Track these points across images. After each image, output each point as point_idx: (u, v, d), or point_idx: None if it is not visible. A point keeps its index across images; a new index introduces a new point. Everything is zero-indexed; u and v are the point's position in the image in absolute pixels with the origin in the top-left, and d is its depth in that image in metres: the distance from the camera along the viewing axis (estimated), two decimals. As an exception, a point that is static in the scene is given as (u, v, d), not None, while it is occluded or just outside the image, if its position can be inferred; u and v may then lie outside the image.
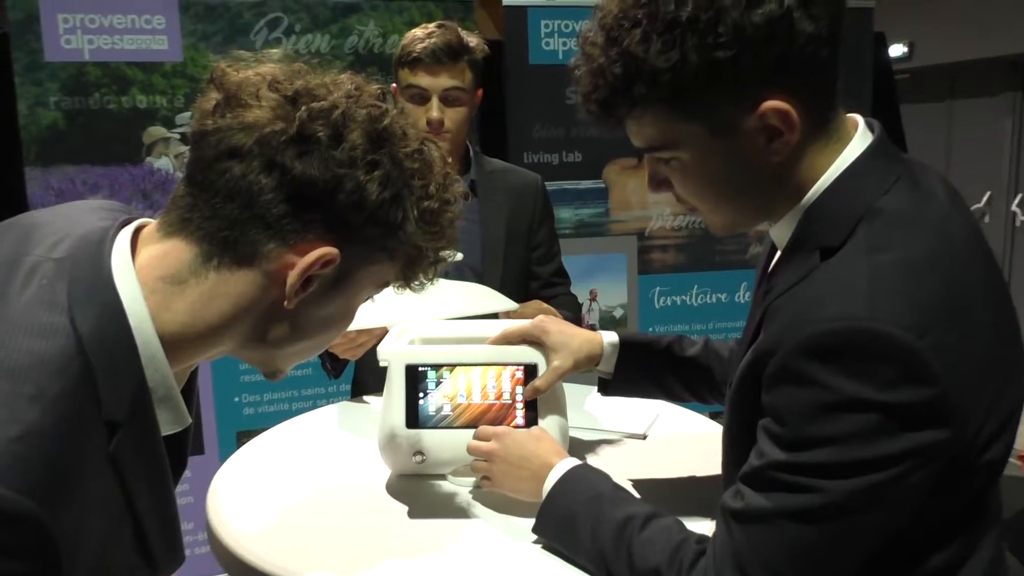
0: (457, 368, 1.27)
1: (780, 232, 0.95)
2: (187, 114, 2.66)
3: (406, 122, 0.82)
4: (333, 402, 1.82)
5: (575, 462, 1.12)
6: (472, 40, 1.78)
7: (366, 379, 1.89)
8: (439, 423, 1.26)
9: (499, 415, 1.26)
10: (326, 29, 2.81)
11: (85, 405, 0.67)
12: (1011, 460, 0.89)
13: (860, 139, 0.91)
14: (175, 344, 0.75)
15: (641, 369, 1.33)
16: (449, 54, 1.72)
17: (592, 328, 1.43)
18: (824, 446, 0.80)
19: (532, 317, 1.39)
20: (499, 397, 1.27)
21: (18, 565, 0.60)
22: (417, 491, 1.27)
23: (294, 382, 2.86)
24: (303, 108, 0.75)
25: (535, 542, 1.09)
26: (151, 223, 0.79)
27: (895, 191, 0.87)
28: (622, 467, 1.27)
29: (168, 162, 2.71)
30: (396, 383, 1.26)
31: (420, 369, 1.26)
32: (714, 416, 1.58)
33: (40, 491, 0.61)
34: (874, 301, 0.79)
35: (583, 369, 1.30)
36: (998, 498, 0.92)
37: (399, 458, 1.27)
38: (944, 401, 0.78)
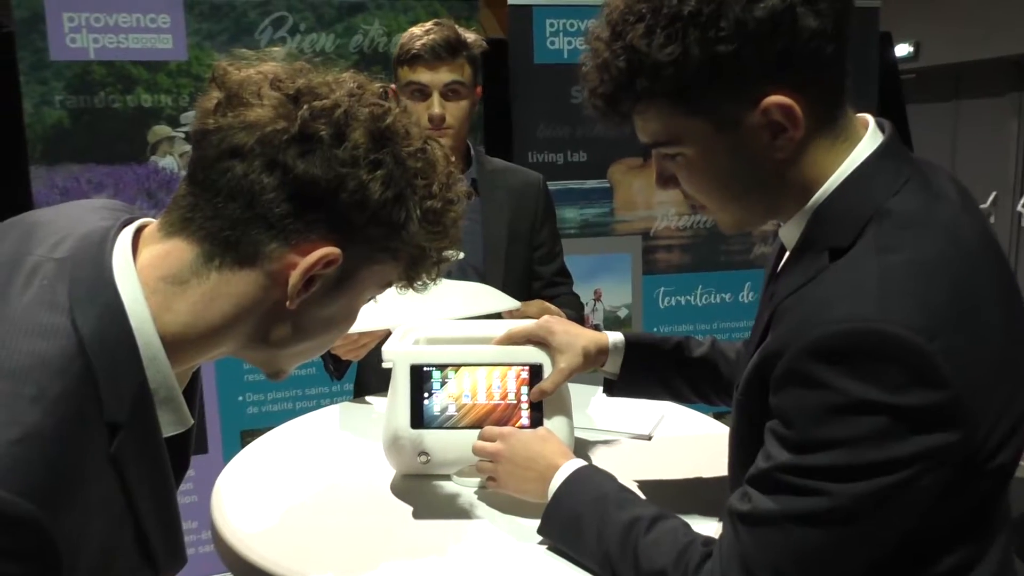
0: (462, 368, 1.26)
1: (789, 232, 0.95)
2: (192, 113, 2.66)
3: (409, 121, 0.81)
4: (337, 401, 1.82)
5: (580, 463, 1.12)
6: (470, 36, 1.80)
7: (369, 379, 1.89)
8: (444, 423, 1.26)
9: (504, 415, 1.26)
10: (331, 28, 2.81)
11: (86, 406, 0.66)
12: (1021, 463, 0.88)
13: (870, 139, 0.91)
14: (177, 345, 0.74)
15: (647, 370, 1.32)
16: (448, 49, 1.74)
17: (596, 328, 1.43)
18: (832, 449, 0.79)
19: (536, 316, 1.39)
20: (504, 397, 1.26)
21: (17, 568, 0.60)
22: (422, 491, 1.27)
23: (298, 381, 2.86)
24: (305, 107, 0.74)
25: (540, 543, 1.09)
26: (153, 223, 0.79)
27: (905, 192, 0.87)
28: (627, 468, 1.26)
29: (173, 161, 2.71)
30: (401, 383, 1.26)
31: (425, 369, 1.26)
32: (718, 417, 1.58)
33: (40, 494, 0.61)
34: (884, 303, 0.78)
35: (589, 370, 1.30)
36: (1007, 502, 0.91)
37: (404, 458, 1.27)
38: (954, 404, 0.77)
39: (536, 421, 1.26)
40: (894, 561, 0.85)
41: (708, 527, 1.06)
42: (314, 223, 0.75)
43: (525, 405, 1.26)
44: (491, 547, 1.10)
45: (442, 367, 1.26)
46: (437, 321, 1.46)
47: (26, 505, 0.59)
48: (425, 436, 1.25)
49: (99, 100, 2.61)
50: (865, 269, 0.82)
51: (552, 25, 3.02)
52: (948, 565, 0.86)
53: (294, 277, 0.76)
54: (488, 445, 1.20)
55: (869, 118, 0.94)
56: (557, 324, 1.30)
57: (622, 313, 3.19)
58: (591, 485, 1.07)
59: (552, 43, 3.03)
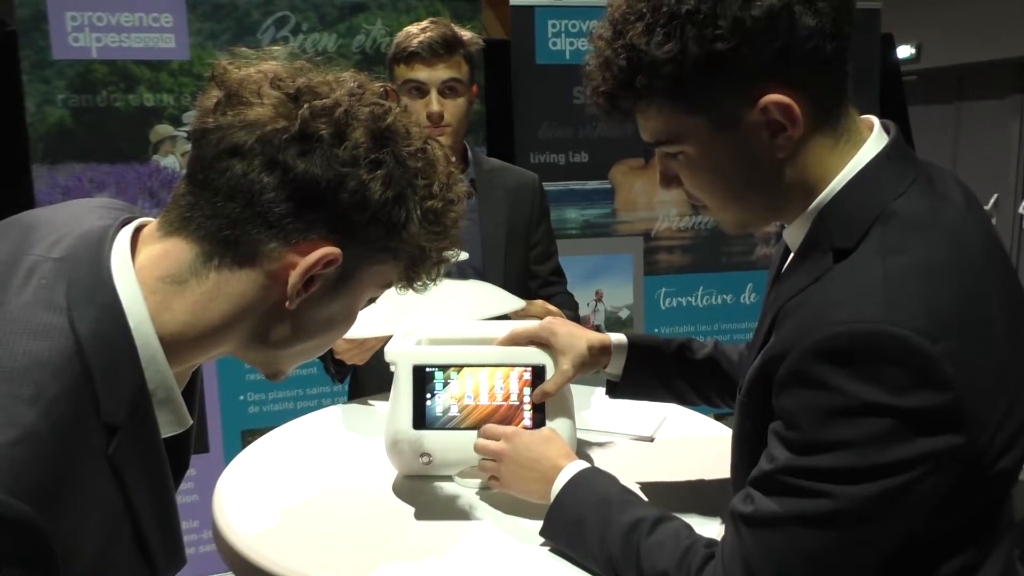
0: (465, 369, 1.26)
1: (793, 234, 0.94)
2: (194, 112, 2.66)
3: (409, 121, 0.81)
4: (338, 402, 1.81)
5: (583, 465, 1.12)
6: (466, 34, 1.81)
7: (364, 380, 1.89)
8: (446, 424, 1.26)
9: (506, 416, 1.26)
10: (333, 28, 2.81)
11: (84, 407, 0.66)
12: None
13: (875, 141, 0.90)
14: (175, 345, 0.74)
15: (650, 372, 1.32)
16: (445, 46, 1.74)
17: (598, 329, 1.42)
18: (836, 450, 0.79)
19: (539, 317, 1.38)
20: (507, 398, 1.26)
21: (13, 570, 0.59)
22: (423, 492, 1.27)
23: (299, 381, 2.86)
24: (305, 106, 0.74)
25: (542, 544, 1.09)
26: (152, 222, 0.78)
27: (910, 194, 0.86)
28: (630, 470, 1.26)
29: (175, 160, 2.71)
30: (403, 384, 1.26)
31: (427, 370, 1.26)
32: (721, 419, 1.57)
33: (37, 495, 0.60)
34: (889, 304, 0.78)
35: (591, 371, 1.30)
36: (1011, 506, 0.91)
37: (405, 459, 1.27)
38: (958, 407, 0.77)
39: (538, 422, 1.25)
40: (897, 564, 0.84)
41: (711, 529, 1.06)
42: (314, 223, 0.75)
43: (527, 406, 1.26)
44: (493, 549, 1.10)
45: (445, 368, 1.26)
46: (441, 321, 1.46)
47: (22, 507, 0.59)
48: (427, 437, 1.25)
49: (101, 99, 2.61)
50: (870, 271, 0.81)
51: (554, 26, 3.02)
52: (951, 569, 0.85)
53: (294, 277, 0.75)
54: (491, 444, 1.20)
55: (874, 120, 0.94)
56: (560, 325, 1.30)
57: (623, 314, 3.19)
58: (593, 487, 1.07)
59: (554, 43, 3.02)
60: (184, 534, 0.82)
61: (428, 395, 1.26)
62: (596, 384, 1.42)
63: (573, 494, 1.07)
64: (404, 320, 1.40)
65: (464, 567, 1.06)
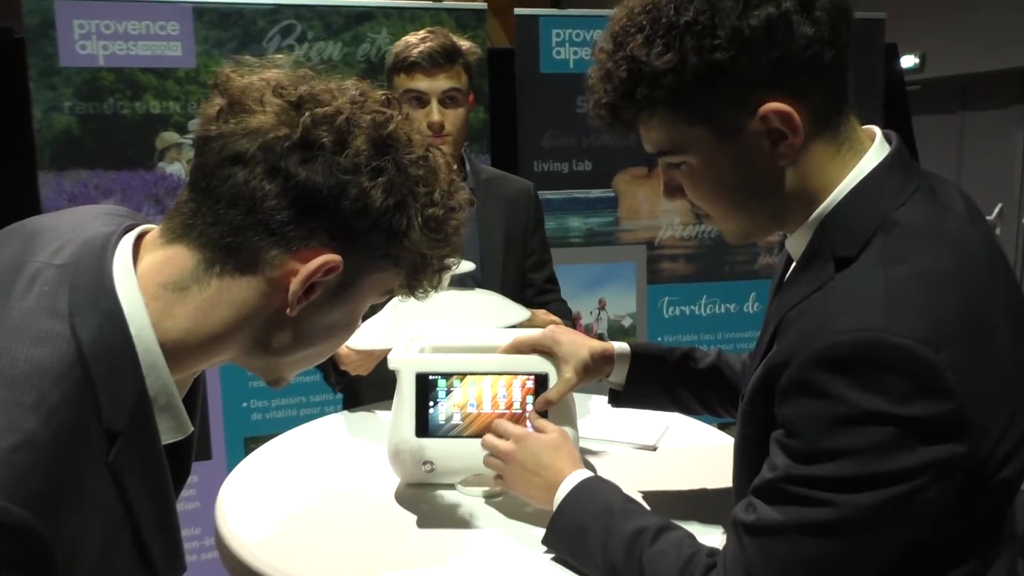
0: (468, 377, 1.26)
1: (795, 243, 0.94)
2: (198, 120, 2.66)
3: (411, 128, 0.81)
4: (341, 409, 1.81)
5: (587, 474, 1.11)
6: (464, 43, 1.82)
7: (362, 389, 1.88)
8: (449, 432, 1.26)
9: (508, 425, 1.25)
10: (339, 37, 2.81)
11: (85, 413, 0.66)
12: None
13: (877, 150, 0.91)
14: (177, 352, 0.74)
15: (653, 380, 1.32)
16: (445, 56, 1.75)
17: (600, 337, 1.42)
18: (838, 459, 0.79)
19: (541, 326, 1.38)
20: (509, 407, 1.26)
21: None
22: (426, 500, 1.26)
23: (302, 388, 2.86)
24: (307, 114, 0.74)
25: (545, 553, 1.08)
26: (154, 229, 0.79)
27: (912, 203, 0.86)
28: (632, 478, 1.26)
29: (180, 167, 2.72)
30: (406, 391, 1.26)
31: (431, 378, 1.26)
32: (723, 428, 1.57)
33: (37, 501, 0.60)
34: (891, 313, 0.78)
35: (594, 380, 1.30)
36: (1014, 516, 0.90)
37: (408, 467, 1.27)
38: (960, 416, 0.77)
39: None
40: (900, 574, 0.84)
41: (713, 538, 1.05)
42: (315, 230, 0.75)
43: (530, 415, 1.25)
44: (495, 557, 1.10)
45: (448, 376, 1.26)
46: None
47: (23, 513, 0.59)
48: (430, 445, 1.25)
49: (108, 106, 2.62)
50: (872, 280, 0.81)
51: (558, 35, 3.02)
52: (955, 578, 0.85)
53: (295, 284, 0.75)
54: (500, 443, 1.19)
55: (876, 130, 0.94)
56: (563, 334, 1.30)
57: (626, 322, 3.19)
58: (596, 496, 1.07)
59: (558, 53, 3.03)
60: (186, 541, 0.82)
61: (431, 403, 1.26)
62: (599, 392, 1.42)
63: (575, 503, 1.07)
64: (411, 331, 1.40)
65: (466, 575, 1.05)
